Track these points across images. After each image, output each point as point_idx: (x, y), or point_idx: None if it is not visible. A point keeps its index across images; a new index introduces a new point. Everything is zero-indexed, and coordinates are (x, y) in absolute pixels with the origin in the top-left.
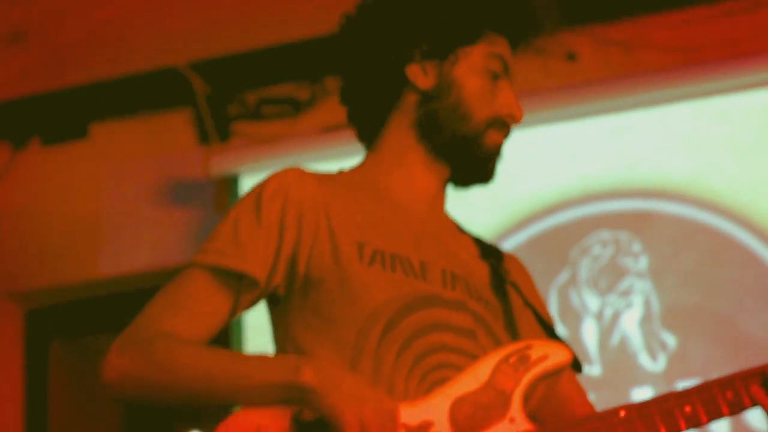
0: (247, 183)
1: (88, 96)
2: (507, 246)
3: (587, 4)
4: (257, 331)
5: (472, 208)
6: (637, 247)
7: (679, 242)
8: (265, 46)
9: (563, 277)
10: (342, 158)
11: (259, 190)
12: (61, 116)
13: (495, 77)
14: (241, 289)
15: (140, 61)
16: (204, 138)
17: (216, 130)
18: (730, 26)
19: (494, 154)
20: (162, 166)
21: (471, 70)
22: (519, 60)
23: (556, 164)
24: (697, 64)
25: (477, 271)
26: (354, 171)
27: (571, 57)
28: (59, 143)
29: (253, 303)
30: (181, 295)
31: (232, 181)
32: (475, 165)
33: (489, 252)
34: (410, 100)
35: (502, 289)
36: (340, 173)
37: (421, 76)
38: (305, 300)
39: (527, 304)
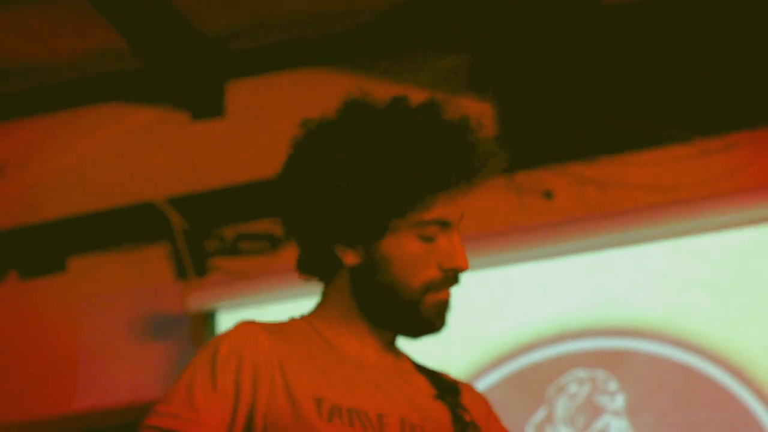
0: (224, 318)
1: (66, 230)
2: (482, 384)
3: (564, 143)
4: None
5: (447, 347)
6: (613, 385)
7: (656, 381)
8: (242, 182)
9: (540, 415)
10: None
11: (213, 351)
12: (39, 250)
13: (429, 239)
14: None
15: (118, 195)
16: (181, 273)
17: (193, 265)
18: (706, 165)
19: (438, 312)
20: (139, 301)
21: (399, 243)
22: (495, 196)
23: (532, 302)
24: (674, 203)
25: (435, 414)
26: (305, 320)
27: (548, 195)
28: (37, 277)
29: None
30: None
31: (209, 317)
32: (418, 327)
33: (446, 389)
34: (343, 275)
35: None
36: (292, 322)
37: (349, 254)
38: None
39: None
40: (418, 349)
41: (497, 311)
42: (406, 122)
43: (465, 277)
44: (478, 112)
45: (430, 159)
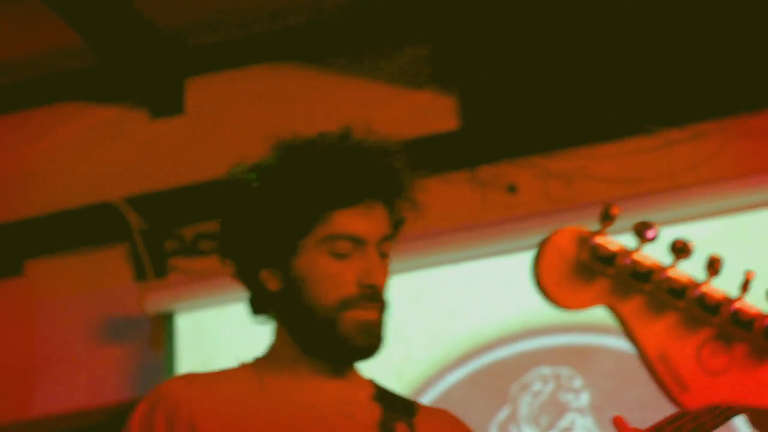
0: (182, 319)
1: (23, 232)
2: (445, 383)
3: (527, 136)
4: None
5: (410, 345)
6: (578, 383)
7: (621, 378)
8: (202, 180)
9: (503, 414)
10: None
11: (131, 414)
12: None
13: (342, 256)
14: None
15: (76, 196)
16: (141, 274)
17: (152, 266)
18: (670, 157)
19: (360, 331)
20: (98, 303)
21: (311, 261)
22: (458, 191)
23: (496, 299)
24: (638, 196)
25: None
26: (252, 365)
27: (512, 189)
28: None
29: None
30: None
31: (168, 318)
32: (340, 347)
33: (397, 419)
34: (277, 306)
35: None
36: (236, 369)
37: (271, 280)
38: None
39: None
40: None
41: (460, 308)
42: (307, 148)
43: (429, 274)
44: (439, 106)
45: (324, 177)
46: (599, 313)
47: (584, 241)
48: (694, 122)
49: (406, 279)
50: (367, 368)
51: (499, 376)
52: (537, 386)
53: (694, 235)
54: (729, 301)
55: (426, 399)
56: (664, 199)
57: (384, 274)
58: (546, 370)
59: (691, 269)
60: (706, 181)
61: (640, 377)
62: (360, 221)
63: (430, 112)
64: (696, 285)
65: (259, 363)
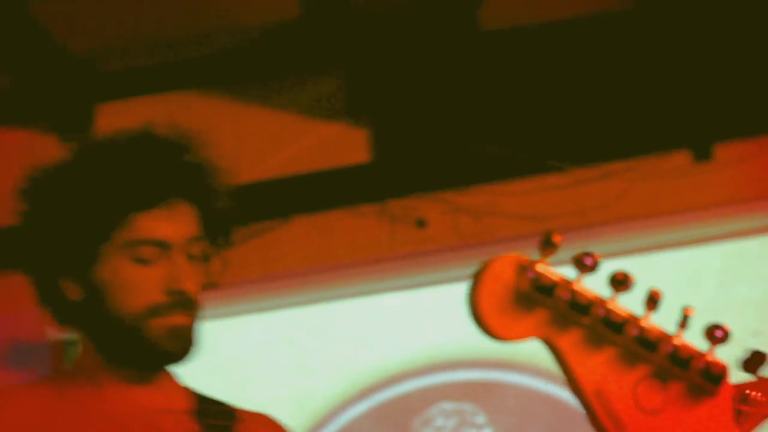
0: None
1: None
2: (348, 416)
3: (438, 171)
4: None
5: (314, 377)
6: (480, 419)
7: (524, 414)
8: None
9: None
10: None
11: None
12: None
13: (146, 262)
14: None
15: None
16: None
17: None
18: (579, 195)
19: (170, 336)
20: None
21: (113, 268)
22: (367, 224)
23: (401, 332)
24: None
25: None
26: (62, 375)
27: (421, 224)
28: None
29: None
30: None
31: (69, 344)
32: (149, 354)
33: (213, 426)
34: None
35: None
36: (40, 381)
37: (70, 288)
38: None
39: None
40: (279, 380)
41: (365, 341)
42: (102, 148)
43: (335, 306)
44: (352, 138)
45: (120, 178)
46: (503, 349)
47: (524, 269)
48: (603, 162)
49: (312, 310)
50: (270, 399)
51: (402, 410)
52: (439, 421)
53: (601, 273)
54: (667, 338)
55: None
56: (573, 236)
57: (194, 277)
58: (449, 406)
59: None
60: (614, 220)
61: (543, 413)
62: (162, 224)
63: (342, 144)
64: (635, 320)
65: (62, 375)
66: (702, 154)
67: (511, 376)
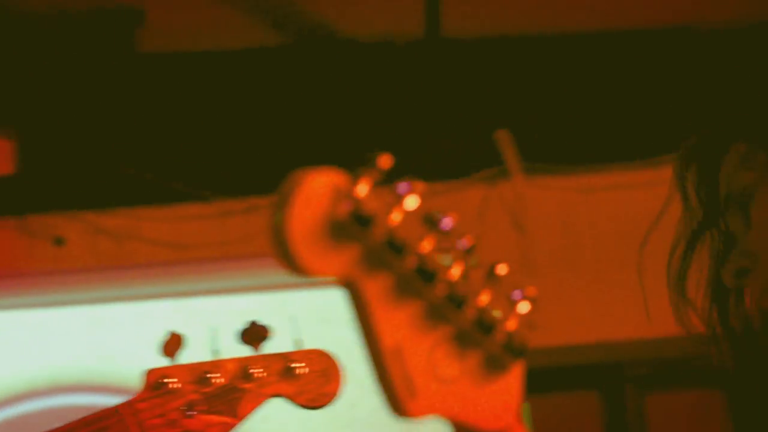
0: None
1: None
2: None
3: (81, 190)
4: None
5: None
6: None
7: None
8: None
9: None
10: None
11: None
12: None
13: None
14: None
15: None
16: None
17: None
18: (223, 226)
19: None
20: None
21: None
22: (5, 238)
23: (27, 351)
24: (187, 261)
25: None
26: None
27: (59, 242)
28: None
29: None
30: None
31: None
32: None
33: None
34: None
35: None
36: None
37: None
38: None
39: None
40: None
41: None
42: None
43: None
44: None
45: None
46: (133, 375)
47: (342, 193)
48: (249, 194)
49: None
50: None
51: (25, 431)
52: None
53: (239, 307)
54: (476, 297)
55: None
56: (214, 267)
57: None
58: None
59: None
60: (257, 254)
61: None
62: None
63: None
64: (448, 273)
65: None
66: None
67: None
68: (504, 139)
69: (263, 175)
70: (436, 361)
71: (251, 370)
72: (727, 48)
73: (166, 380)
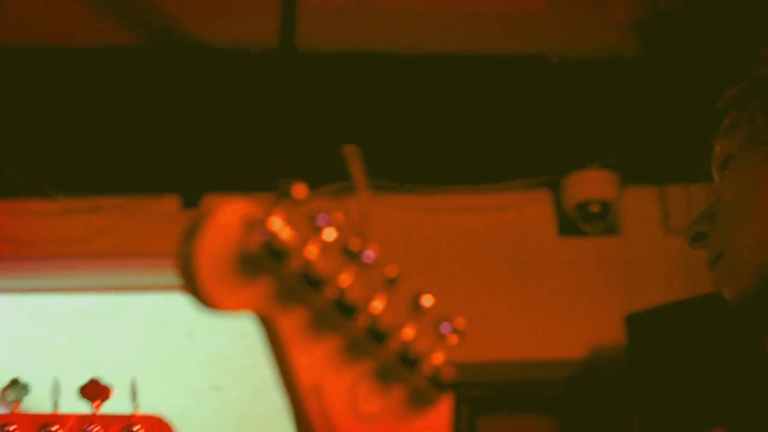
0: None
1: None
2: None
3: None
4: None
5: None
6: None
7: None
8: None
9: None
10: None
11: None
12: None
13: None
14: None
15: None
16: None
17: None
18: (65, 224)
19: None
20: None
21: None
22: None
23: None
24: (26, 258)
25: None
26: None
27: None
28: None
29: None
30: None
31: None
32: None
33: None
34: None
35: None
36: None
37: None
38: None
39: None
40: None
41: None
42: None
43: None
44: None
45: None
46: None
47: (253, 226)
48: (94, 194)
49: None
50: None
51: None
52: None
53: (76, 306)
54: (399, 332)
55: None
56: (53, 265)
57: None
58: None
59: None
60: (96, 254)
61: None
62: None
63: None
64: (368, 306)
65: None
66: (190, 201)
67: None
68: (352, 155)
69: (107, 175)
70: (357, 397)
71: (92, 428)
72: (579, 78)
73: (7, 428)
